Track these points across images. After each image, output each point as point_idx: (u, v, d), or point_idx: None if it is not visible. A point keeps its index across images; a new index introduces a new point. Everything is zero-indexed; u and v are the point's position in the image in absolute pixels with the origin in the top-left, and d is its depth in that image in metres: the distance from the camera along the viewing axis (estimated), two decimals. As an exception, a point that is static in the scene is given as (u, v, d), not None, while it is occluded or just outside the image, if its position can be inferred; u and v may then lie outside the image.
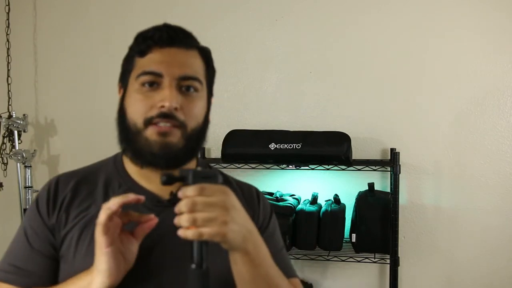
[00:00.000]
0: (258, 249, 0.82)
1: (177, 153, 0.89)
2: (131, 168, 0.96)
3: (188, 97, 0.91)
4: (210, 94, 0.99)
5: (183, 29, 0.95)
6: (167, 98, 0.87)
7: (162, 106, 0.87)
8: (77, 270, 0.87)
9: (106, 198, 0.92)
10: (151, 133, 0.88)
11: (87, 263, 0.85)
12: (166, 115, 0.87)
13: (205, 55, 0.97)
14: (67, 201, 0.93)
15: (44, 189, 0.96)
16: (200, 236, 0.72)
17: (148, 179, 0.94)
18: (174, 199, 0.87)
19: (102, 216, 0.78)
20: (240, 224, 0.77)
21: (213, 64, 1.00)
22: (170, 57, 0.90)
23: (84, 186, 0.95)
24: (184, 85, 0.90)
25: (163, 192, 0.93)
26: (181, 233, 0.73)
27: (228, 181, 1.02)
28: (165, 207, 0.91)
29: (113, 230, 0.80)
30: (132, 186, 0.94)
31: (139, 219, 0.84)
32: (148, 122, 0.88)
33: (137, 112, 0.90)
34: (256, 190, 1.06)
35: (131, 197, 0.80)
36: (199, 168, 0.77)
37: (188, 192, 0.74)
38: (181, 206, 0.73)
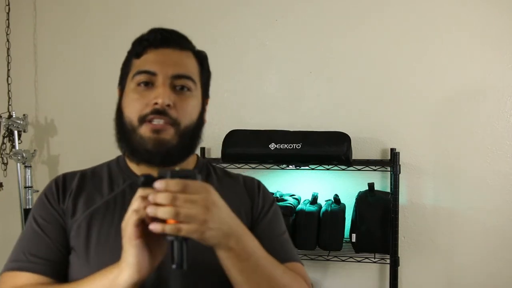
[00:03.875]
0: (244, 244, 0.82)
1: (171, 150, 0.92)
2: (134, 166, 1.00)
3: (182, 96, 0.94)
4: (205, 95, 1.02)
5: (178, 32, 0.99)
6: (160, 95, 0.91)
7: (156, 103, 0.90)
8: (90, 260, 0.89)
9: (111, 191, 0.98)
10: (145, 130, 0.91)
11: (99, 253, 0.89)
12: (159, 112, 0.91)
13: (200, 57, 1.01)
14: (74, 192, 0.98)
15: (51, 183, 1.00)
16: (179, 231, 0.71)
17: None
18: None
19: (136, 204, 0.75)
20: (220, 222, 0.76)
21: (208, 67, 1.03)
22: (164, 57, 0.94)
23: (89, 181, 1.00)
24: (177, 84, 0.94)
25: None
26: (156, 227, 0.71)
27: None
28: None
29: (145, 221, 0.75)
30: (136, 180, 0.97)
31: None
32: (143, 119, 0.92)
33: (132, 111, 0.93)
34: (258, 182, 1.10)
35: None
36: (177, 168, 0.75)
37: (171, 187, 0.72)
38: (161, 199, 0.72)
